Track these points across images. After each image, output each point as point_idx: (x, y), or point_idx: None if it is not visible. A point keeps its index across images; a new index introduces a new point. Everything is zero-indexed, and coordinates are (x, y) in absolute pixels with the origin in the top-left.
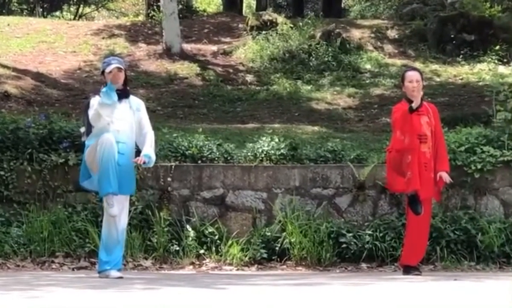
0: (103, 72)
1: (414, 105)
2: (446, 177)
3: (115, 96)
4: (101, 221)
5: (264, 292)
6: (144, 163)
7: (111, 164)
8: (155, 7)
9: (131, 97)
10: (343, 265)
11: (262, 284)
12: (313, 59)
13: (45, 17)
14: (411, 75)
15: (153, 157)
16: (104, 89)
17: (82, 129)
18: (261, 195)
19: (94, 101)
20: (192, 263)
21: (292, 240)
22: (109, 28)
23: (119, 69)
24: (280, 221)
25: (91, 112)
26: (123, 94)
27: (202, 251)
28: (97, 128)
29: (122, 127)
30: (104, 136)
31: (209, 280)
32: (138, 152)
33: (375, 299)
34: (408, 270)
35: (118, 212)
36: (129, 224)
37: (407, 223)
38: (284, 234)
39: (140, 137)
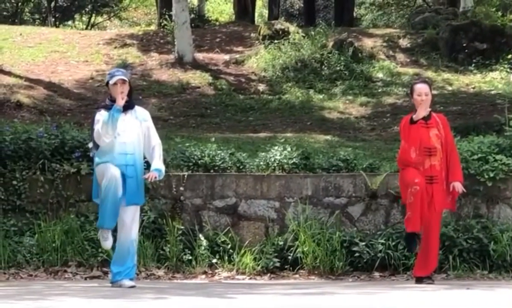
0: (107, 84)
1: (415, 117)
2: (458, 187)
3: (116, 120)
4: (113, 231)
5: (275, 301)
6: (155, 178)
7: (114, 201)
8: (167, 16)
9: (137, 108)
10: (355, 274)
11: (274, 293)
12: (325, 68)
13: (57, 26)
14: (420, 88)
15: (163, 169)
16: (109, 112)
17: (90, 145)
18: (273, 204)
19: (100, 116)
20: (205, 272)
21: (304, 249)
22: (121, 37)
23: (123, 81)
24: (292, 230)
25: (96, 128)
26: (128, 106)
27: (214, 260)
28: (105, 144)
29: (128, 139)
30: (110, 171)
31: (221, 289)
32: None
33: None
34: (420, 279)
35: (111, 245)
36: (141, 233)
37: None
38: (296, 243)
39: (149, 150)
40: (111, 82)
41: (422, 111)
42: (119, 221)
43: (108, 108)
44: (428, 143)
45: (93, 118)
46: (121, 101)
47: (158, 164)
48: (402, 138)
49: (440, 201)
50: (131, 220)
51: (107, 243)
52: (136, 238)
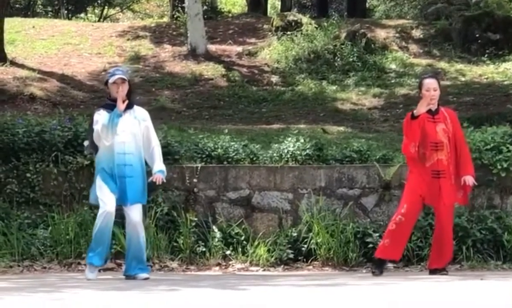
0: (106, 83)
1: (415, 113)
2: (470, 180)
3: (116, 125)
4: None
5: (289, 292)
6: (162, 180)
7: (105, 238)
8: (179, 8)
9: (136, 107)
10: (369, 265)
11: (288, 285)
12: (338, 59)
13: (69, 19)
14: (429, 83)
15: (165, 170)
16: (109, 116)
17: (86, 143)
18: (287, 196)
19: (98, 116)
20: (219, 264)
21: (318, 241)
22: (134, 29)
23: (123, 80)
24: (306, 222)
25: (95, 128)
26: (127, 105)
27: (228, 252)
28: (105, 147)
29: (127, 138)
30: (106, 209)
31: (235, 281)
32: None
33: (401, 299)
34: (434, 271)
35: (95, 278)
36: (155, 225)
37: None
38: (310, 234)
39: (148, 151)
40: (110, 81)
41: (422, 108)
42: (126, 220)
43: (107, 108)
44: (435, 138)
45: (91, 118)
46: (122, 106)
47: (160, 165)
48: (404, 134)
49: (448, 194)
50: (138, 218)
51: (91, 276)
52: (144, 235)
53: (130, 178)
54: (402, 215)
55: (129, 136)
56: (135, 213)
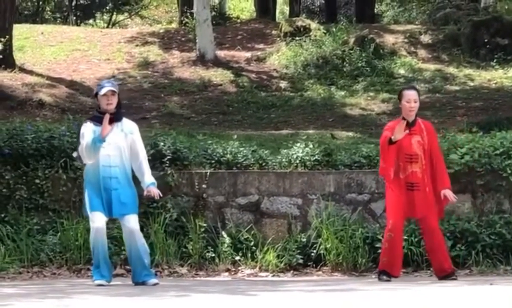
0: (96, 95)
1: (393, 138)
2: (450, 195)
3: (98, 149)
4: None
5: (297, 298)
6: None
7: (103, 254)
8: (188, 14)
9: (124, 120)
10: (376, 273)
11: (297, 290)
12: (347, 64)
13: (78, 25)
14: (409, 94)
15: (155, 181)
16: (92, 140)
17: (75, 154)
18: (296, 201)
19: (85, 129)
20: (228, 270)
21: (327, 246)
22: (143, 35)
23: (112, 92)
24: (315, 227)
25: (82, 143)
26: (115, 117)
27: (237, 258)
28: (89, 164)
29: (112, 151)
30: (95, 226)
31: (244, 286)
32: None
33: (411, 304)
34: (443, 278)
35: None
36: (164, 231)
37: None
38: (319, 239)
39: (136, 163)
40: (100, 93)
41: (399, 135)
42: (123, 230)
43: (95, 120)
44: (410, 150)
45: (79, 130)
46: (104, 132)
47: (150, 178)
48: (380, 156)
49: (421, 207)
50: (133, 226)
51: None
52: (144, 242)
53: (115, 191)
54: (390, 231)
55: (115, 149)
56: (129, 222)
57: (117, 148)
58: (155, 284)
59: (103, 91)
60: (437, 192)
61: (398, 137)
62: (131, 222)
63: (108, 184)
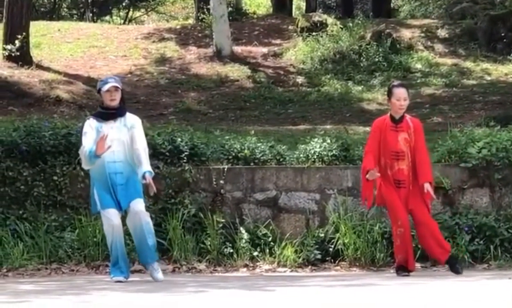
0: (99, 91)
1: (368, 177)
2: (429, 189)
3: (93, 163)
4: (154, 224)
5: (316, 293)
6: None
7: (121, 251)
8: (204, 10)
9: (128, 115)
10: (393, 268)
11: (315, 286)
12: (364, 59)
13: (95, 21)
14: (399, 92)
15: (152, 170)
16: (89, 153)
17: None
18: (314, 196)
19: (88, 127)
20: (246, 265)
21: (345, 241)
22: (159, 32)
23: (115, 88)
24: (333, 222)
25: (83, 142)
26: (118, 113)
27: (255, 253)
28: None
29: (116, 147)
30: (111, 223)
31: (262, 282)
32: None
33: (430, 298)
34: (448, 262)
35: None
36: (182, 227)
37: None
38: (337, 235)
39: (135, 153)
40: (103, 89)
41: (373, 177)
42: (129, 215)
43: (98, 116)
44: (396, 147)
45: (82, 127)
46: (100, 151)
47: (148, 166)
48: (362, 186)
49: (408, 203)
50: (140, 207)
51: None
52: (149, 221)
53: (121, 186)
54: (400, 226)
55: (119, 145)
56: (135, 205)
57: (120, 144)
58: (155, 269)
59: (106, 87)
60: (421, 184)
61: (371, 179)
62: (137, 205)
63: (114, 180)
